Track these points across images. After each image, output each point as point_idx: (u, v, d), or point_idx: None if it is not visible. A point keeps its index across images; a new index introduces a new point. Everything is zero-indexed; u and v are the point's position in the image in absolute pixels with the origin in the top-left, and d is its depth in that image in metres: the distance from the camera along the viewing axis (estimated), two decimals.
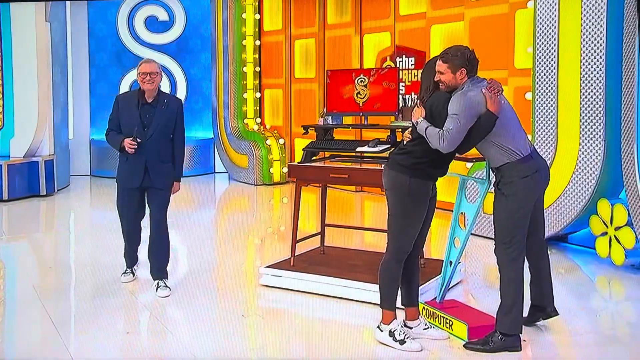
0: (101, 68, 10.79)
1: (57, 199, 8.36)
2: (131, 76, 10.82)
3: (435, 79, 3.47)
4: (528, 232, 3.51)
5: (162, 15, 10.85)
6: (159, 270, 4.48)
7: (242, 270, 5.25)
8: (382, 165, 4.35)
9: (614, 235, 4.92)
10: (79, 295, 4.72)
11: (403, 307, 3.64)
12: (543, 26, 5.43)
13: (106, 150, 10.19)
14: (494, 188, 3.55)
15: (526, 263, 3.58)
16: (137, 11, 10.79)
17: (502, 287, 3.48)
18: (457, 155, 3.51)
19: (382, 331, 3.49)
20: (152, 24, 10.83)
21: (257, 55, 10.11)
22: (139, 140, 4.28)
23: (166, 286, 4.43)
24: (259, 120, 10.15)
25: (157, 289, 4.40)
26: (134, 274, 4.72)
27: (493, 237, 3.54)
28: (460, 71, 3.39)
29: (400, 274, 3.50)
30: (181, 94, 10.96)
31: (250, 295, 4.55)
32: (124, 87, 10.86)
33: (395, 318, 3.48)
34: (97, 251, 5.96)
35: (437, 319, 3.78)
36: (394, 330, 3.44)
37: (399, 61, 8.02)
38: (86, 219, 7.93)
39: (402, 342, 3.42)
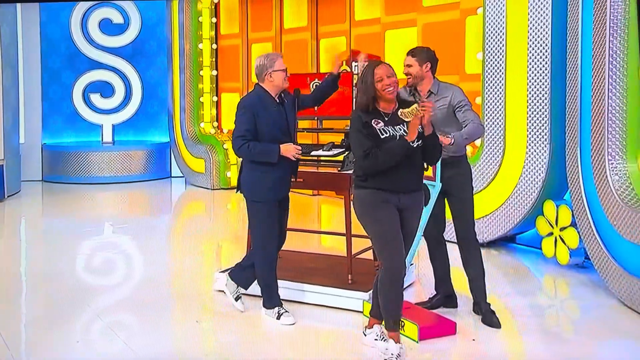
0: (54, 71, 10.57)
1: (7, 205, 8.15)
2: (85, 79, 10.65)
3: (404, 72, 3.89)
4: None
5: (117, 18, 10.70)
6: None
7: (198, 275, 5.23)
8: (338, 169, 4.44)
9: (559, 236, 5.09)
10: (29, 304, 4.63)
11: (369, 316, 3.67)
12: (492, 33, 5.59)
13: (58, 155, 10.01)
14: (456, 180, 3.87)
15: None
16: (91, 13, 10.61)
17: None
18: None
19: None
20: (107, 27, 10.66)
21: (214, 59, 10.06)
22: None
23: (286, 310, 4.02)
24: (215, 124, 10.09)
25: (279, 317, 3.97)
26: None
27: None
28: (425, 64, 3.85)
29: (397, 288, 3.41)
30: (136, 97, 10.84)
31: (205, 300, 4.52)
32: (77, 91, 10.68)
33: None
34: (49, 259, 5.84)
35: None
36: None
37: (355, 66, 8.09)
38: (38, 226, 7.75)
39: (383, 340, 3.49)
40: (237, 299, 4.14)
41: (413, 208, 3.39)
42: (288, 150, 3.80)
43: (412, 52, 3.96)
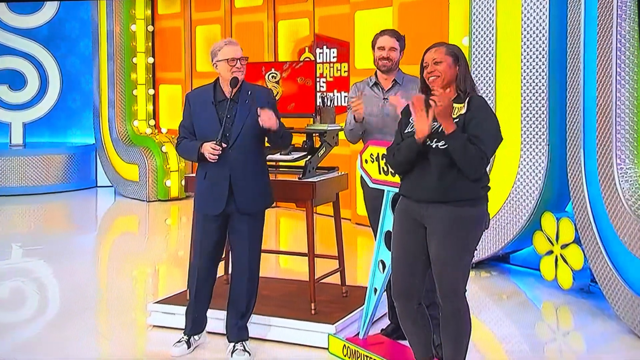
0: None
1: None
2: None
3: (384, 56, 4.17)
4: None
5: None
6: (240, 330, 4.00)
7: (129, 306, 5.16)
8: (298, 177, 4.41)
9: (561, 254, 5.15)
10: None
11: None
12: (480, 15, 5.65)
13: None
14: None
15: None
16: None
17: None
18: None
19: None
20: (17, 4, 10.52)
21: (150, 44, 10.03)
22: (224, 145, 3.80)
23: (245, 350, 3.93)
24: (152, 122, 10.06)
25: (232, 354, 3.92)
26: (190, 345, 4.04)
27: None
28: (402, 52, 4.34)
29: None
30: (54, 89, 10.72)
31: (136, 338, 4.47)
32: None
33: None
34: None
35: (359, 359, 3.82)
36: None
37: (320, 53, 8.12)
38: None
39: None
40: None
41: (437, 226, 3.13)
42: (205, 148, 3.85)
43: (395, 35, 4.23)
